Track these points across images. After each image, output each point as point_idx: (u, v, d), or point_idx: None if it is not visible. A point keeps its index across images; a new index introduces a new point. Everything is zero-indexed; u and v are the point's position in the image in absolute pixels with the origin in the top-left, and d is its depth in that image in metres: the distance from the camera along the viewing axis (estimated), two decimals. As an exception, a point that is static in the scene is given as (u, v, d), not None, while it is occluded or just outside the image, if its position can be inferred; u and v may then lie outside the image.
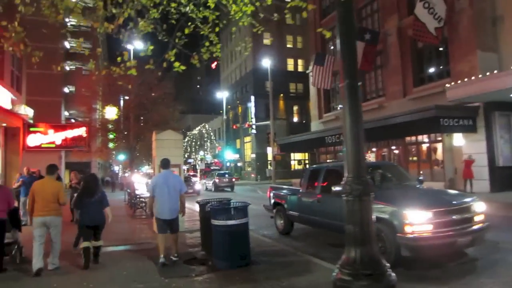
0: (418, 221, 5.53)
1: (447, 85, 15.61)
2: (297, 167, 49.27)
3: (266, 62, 32.20)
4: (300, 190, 8.67)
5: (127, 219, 13.10)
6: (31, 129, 20.33)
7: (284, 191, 9.57)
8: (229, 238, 5.79)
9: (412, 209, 5.63)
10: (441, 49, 18.82)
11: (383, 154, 23.79)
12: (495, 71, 14.40)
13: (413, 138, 20.43)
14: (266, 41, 49.44)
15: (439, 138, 18.68)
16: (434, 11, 16.52)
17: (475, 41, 16.41)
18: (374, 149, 24.02)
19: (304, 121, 49.67)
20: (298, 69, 50.78)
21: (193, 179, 28.38)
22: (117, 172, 60.76)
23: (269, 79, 31.28)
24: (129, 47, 26.69)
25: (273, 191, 10.03)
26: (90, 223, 6.51)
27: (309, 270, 5.60)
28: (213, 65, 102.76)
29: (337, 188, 6.85)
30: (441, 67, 18.89)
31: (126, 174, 28.19)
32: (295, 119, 50.36)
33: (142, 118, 20.68)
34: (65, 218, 6.77)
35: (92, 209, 6.56)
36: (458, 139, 17.45)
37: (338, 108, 27.40)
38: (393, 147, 22.23)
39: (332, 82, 25.66)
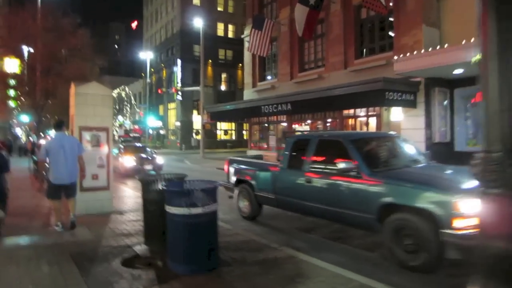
0: (471, 213, 4.02)
1: (395, 57, 15.12)
2: (224, 137, 47.89)
3: (198, 22, 29.52)
4: (280, 166, 6.77)
5: (33, 194, 10.51)
6: None
7: (252, 165, 7.60)
8: (193, 233, 4.14)
9: (465, 195, 4.15)
10: (384, 21, 18.41)
11: (317, 126, 23.39)
12: (446, 45, 14.19)
13: (351, 111, 20.13)
14: (196, 1, 46.08)
15: (377, 113, 18.54)
16: (385, -21, 15.74)
17: (421, 15, 16.11)
18: (308, 121, 23.48)
19: (232, 90, 48.07)
20: (229, 35, 48.46)
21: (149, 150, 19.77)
22: (19, 135, 53.71)
23: (201, 41, 28.78)
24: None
25: (234, 165, 8.03)
26: None
27: (302, 273, 4.23)
28: (134, 25, 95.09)
29: (342, 165, 5.23)
30: (384, 40, 18.50)
31: (31, 138, 24.09)
32: (223, 87, 48.42)
33: (52, 71, 17.17)
34: None
35: None
36: (397, 114, 17.38)
37: (270, 78, 26.26)
38: (329, 120, 21.82)
39: (269, 49, 24.27)
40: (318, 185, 5.81)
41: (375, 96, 15.70)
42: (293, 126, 24.38)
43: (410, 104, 16.28)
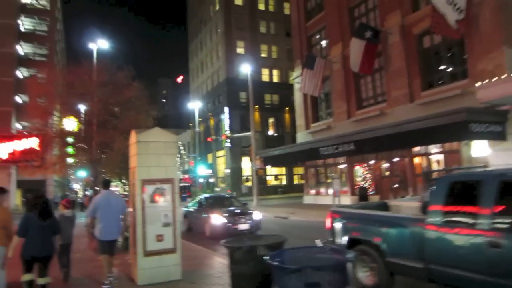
0: None
1: (477, 84, 13.38)
2: (274, 182, 46.48)
3: (245, 68, 29.43)
4: (430, 220, 4.70)
5: (89, 255, 9.42)
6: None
7: (378, 220, 5.49)
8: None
9: None
10: (452, 47, 16.87)
11: (381, 167, 21.47)
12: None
13: (422, 148, 18.22)
14: (240, 49, 47.08)
15: (454, 148, 16.61)
16: (453, 1, 14.44)
17: (500, 36, 14.46)
18: (371, 162, 21.63)
19: (280, 134, 47.26)
20: (274, 80, 48.55)
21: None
22: (76, 190, 55.61)
23: (250, 86, 28.41)
24: (92, 46, 23.15)
25: (344, 219, 6.00)
26: (38, 254, 5.35)
27: None
28: (179, 79, 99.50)
29: None
30: (455, 67, 16.85)
31: (88, 193, 24.06)
32: (271, 131, 47.75)
33: (108, 124, 17.10)
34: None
35: (41, 236, 5.36)
36: (481, 149, 15.29)
37: (324, 119, 24.93)
38: (396, 159, 19.90)
39: (321, 88, 23.30)
40: None
41: (457, 129, 13.84)
42: (355, 168, 22.61)
43: (499, 136, 14.21)
